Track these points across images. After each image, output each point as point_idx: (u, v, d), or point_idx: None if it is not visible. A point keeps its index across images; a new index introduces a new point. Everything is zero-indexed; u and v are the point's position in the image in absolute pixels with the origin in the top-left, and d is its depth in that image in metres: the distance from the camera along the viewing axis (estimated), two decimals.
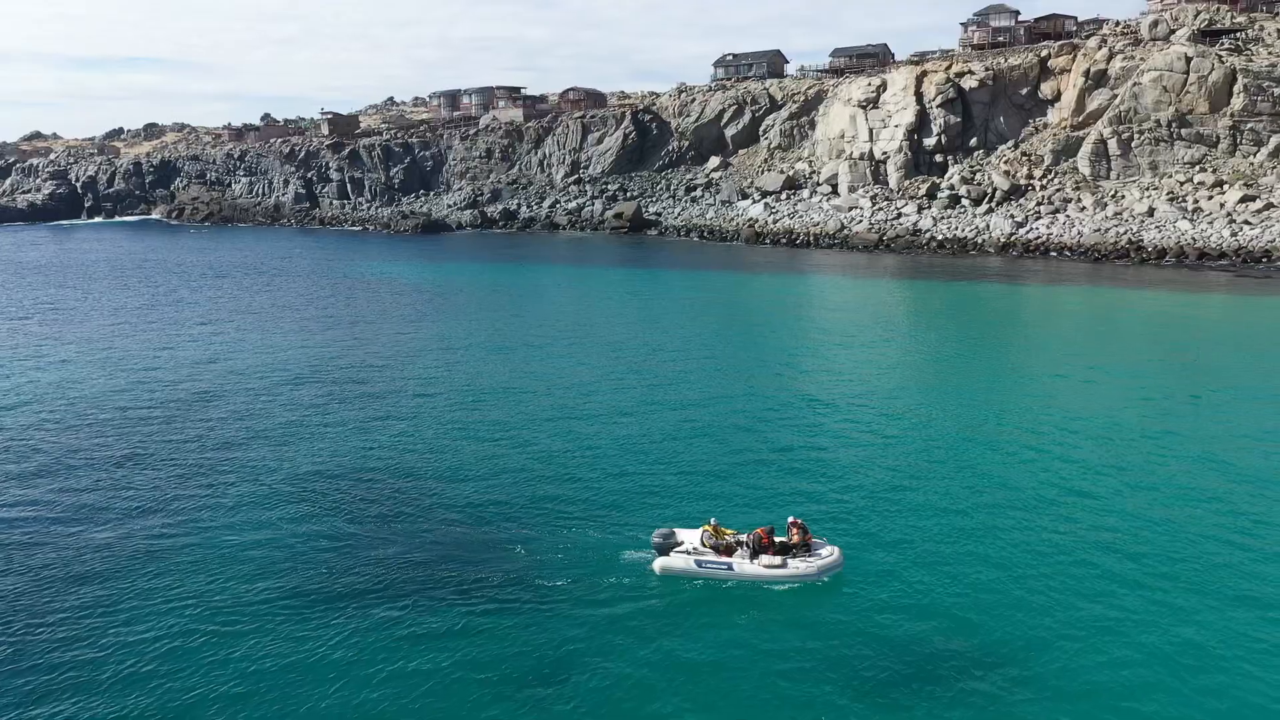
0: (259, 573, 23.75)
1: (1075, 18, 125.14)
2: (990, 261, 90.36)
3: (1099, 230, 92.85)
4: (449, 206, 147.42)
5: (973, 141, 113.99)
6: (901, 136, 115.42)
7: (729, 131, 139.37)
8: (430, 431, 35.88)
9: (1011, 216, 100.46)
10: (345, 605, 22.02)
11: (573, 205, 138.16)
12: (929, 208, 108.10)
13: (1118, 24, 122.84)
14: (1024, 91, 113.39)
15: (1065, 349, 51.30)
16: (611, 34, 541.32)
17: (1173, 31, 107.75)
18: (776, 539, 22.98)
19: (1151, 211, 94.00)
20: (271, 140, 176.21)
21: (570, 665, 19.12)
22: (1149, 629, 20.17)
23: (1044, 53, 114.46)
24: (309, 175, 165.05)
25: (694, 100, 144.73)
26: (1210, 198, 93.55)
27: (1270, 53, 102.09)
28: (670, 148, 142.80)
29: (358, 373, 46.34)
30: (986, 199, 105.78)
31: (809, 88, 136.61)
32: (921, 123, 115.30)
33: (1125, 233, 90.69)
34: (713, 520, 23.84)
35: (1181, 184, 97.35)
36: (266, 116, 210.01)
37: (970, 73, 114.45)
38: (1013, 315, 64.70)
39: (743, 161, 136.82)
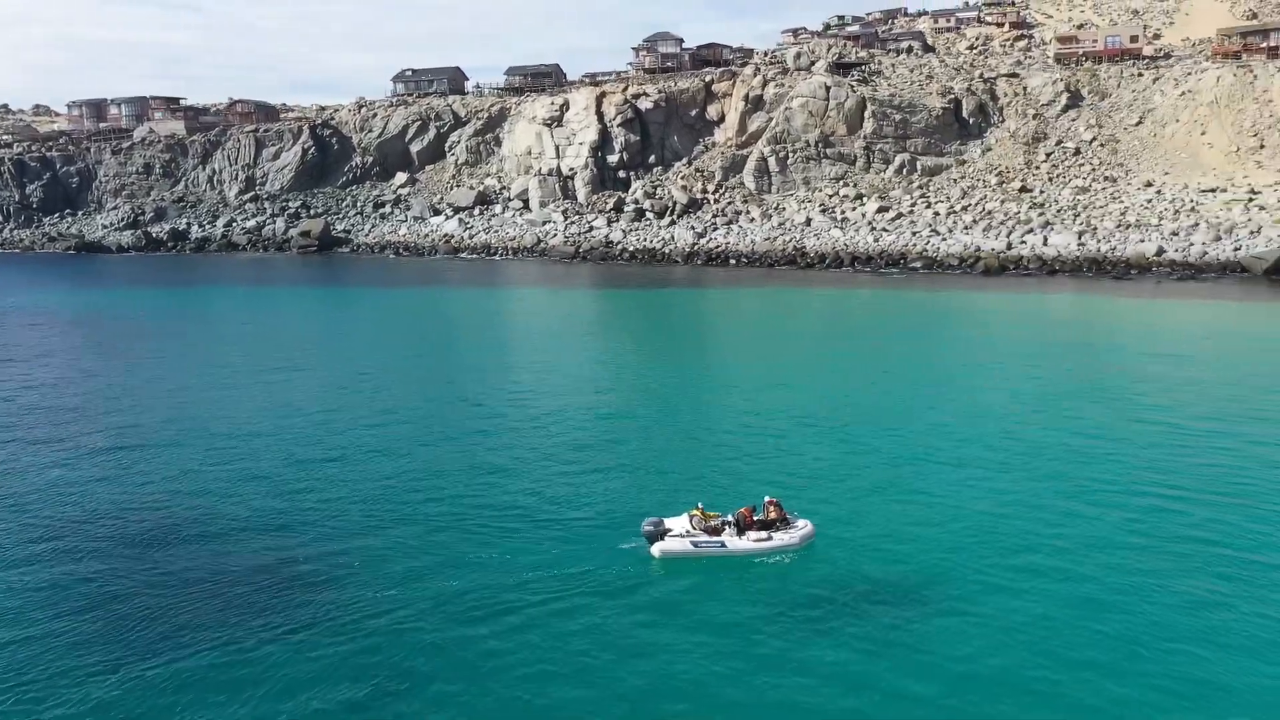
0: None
1: (731, 46, 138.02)
2: (678, 270, 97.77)
3: (769, 239, 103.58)
4: (105, 227, 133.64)
5: (651, 158, 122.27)
6: (587, 153, 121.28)
7: (414, 147, 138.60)
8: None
9: (692, 228, 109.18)
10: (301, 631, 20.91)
11: (251, 224, 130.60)
12: (617, 221, 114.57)
13: (766, 54, 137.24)
14: (693, 113, 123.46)
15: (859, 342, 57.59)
16: (264, 43, 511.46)
17: (813, 63, 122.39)
18: (755, 517, 25.27)
19: (809, 221, 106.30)
20: None
21: (619, 643, 20.82)
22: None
23: (708, 78, 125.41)
24: None
25: (375, 115, 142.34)
26: (854, 209, 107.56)
27: (889, 84, 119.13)
28: (354, 164, 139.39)
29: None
30: (668, 212, 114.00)
31: (492, 105, 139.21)
32: (604, 140, 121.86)
33: (790, 240, 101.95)
34: (700, 505, 25.75)
35: (830, 197, 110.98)
36: None
37: (645, 94, 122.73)
38: (725, 316, 71.05)
39: (431, 178, 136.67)
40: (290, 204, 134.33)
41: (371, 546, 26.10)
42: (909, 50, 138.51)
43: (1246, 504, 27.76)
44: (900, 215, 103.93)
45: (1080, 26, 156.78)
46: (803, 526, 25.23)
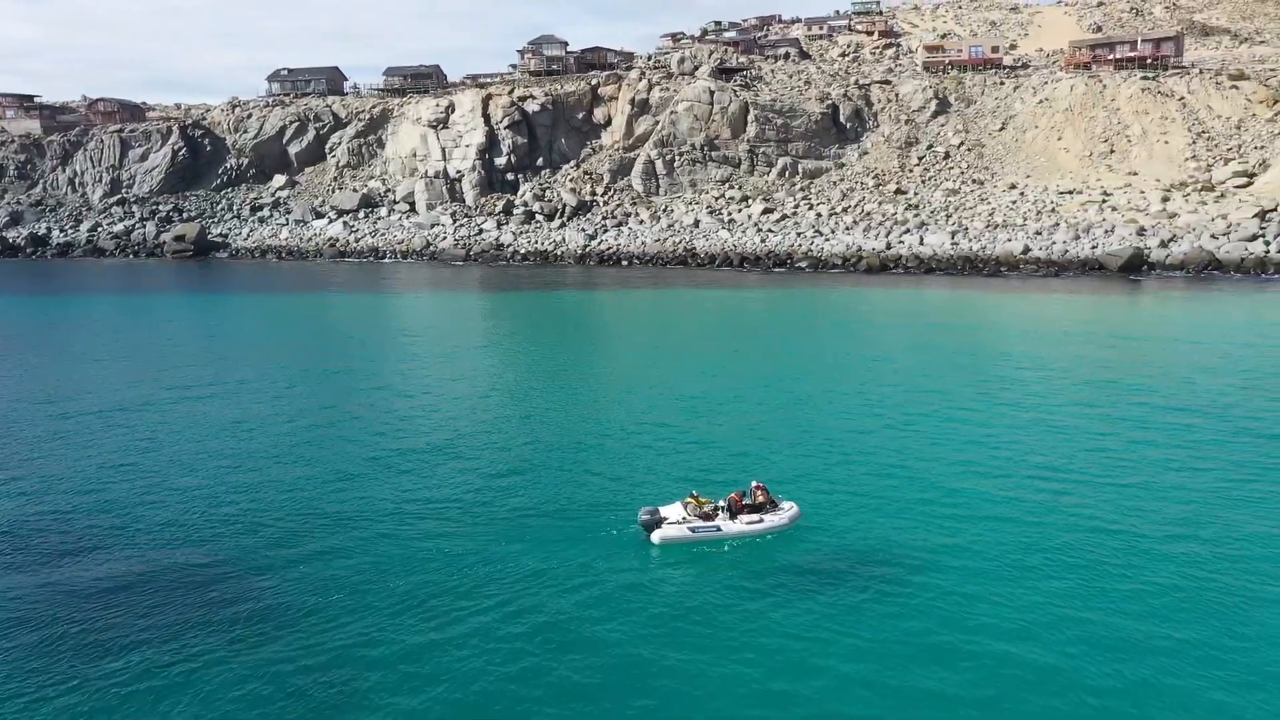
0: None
1: (615, 50, 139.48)
2: (571, 271, 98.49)
3: (659, 240, 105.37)
4: None
5: (539, 161, 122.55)
6: (474, 156, 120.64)
7: (292, 149, 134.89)
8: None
9: (583, 230, 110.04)
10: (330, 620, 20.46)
11: (119, 228, 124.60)
12: (507, 223, 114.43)
13: (650, 58, 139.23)
14: (580, 116, 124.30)
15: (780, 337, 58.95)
16: (119, 38, 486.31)
17: (696, 68, 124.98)
18: (745, 502, 26.55)
19: (697, 223, 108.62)
20: None
21: (641, 619, 22.08)
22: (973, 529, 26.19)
23: (594, 81, 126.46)
24: None
25: (250, 116, 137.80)
26: (740, 210, 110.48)
27: (770, 89, 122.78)
28: (228, 165, 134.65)
29: None
30: (558, 214, 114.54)
31: (374, 106, 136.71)
32: (491, 143, 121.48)
33: (681, 242, 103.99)
34: (694, 492, 26.77)
35: (716, 199, 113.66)
36: None
37: (532, 97, 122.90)
38: (636, 315, 72.05)
39: (311, 180, 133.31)
40: (161, 207, 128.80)
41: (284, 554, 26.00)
42: (786, 56, 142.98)
43: (1125, 469, 30.55)
44: (785, 217, 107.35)
45: (944, 36, 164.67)
46: (789, 508, 26.70)
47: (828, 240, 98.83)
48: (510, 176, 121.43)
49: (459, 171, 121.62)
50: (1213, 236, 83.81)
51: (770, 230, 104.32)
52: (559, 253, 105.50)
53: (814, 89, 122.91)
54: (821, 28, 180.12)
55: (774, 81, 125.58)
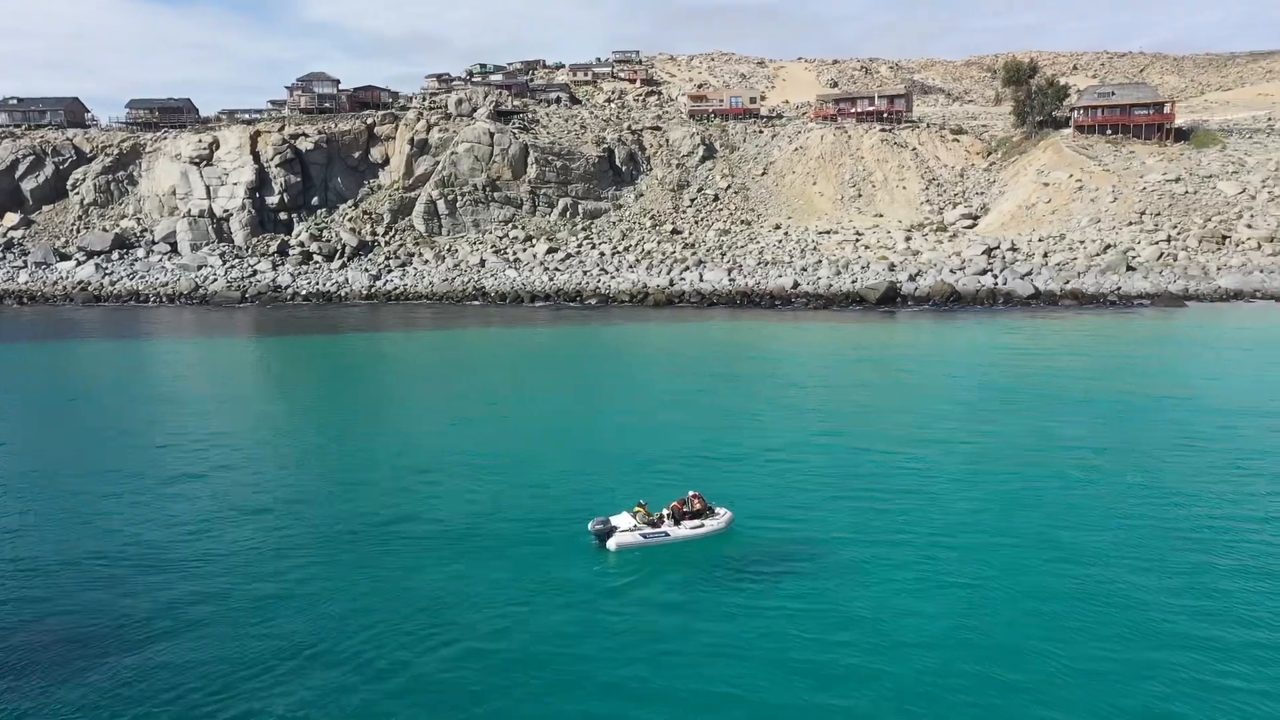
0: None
1: (389, 90, 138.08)
2: (355, 312, 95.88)
3: (446, 280, 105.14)
4: None
5: (314, 200, 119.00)
6: (243, 194, 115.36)
7: (27, 185, 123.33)
8: None
9: (366, 270, 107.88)
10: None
11: None
12: (283, 264, 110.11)
13: (424, 99, 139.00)
14: (356, 155, 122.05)
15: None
16: None
17: (475, 110, 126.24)
18: (685, 509, 28.86)
19: (483, 263, 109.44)
20: None
21: (618, 622, 24.12)
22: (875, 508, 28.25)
23: (369, 120, 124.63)
24: None
25: None
26: (525, 250, 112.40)
27: (548, 132, 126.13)
28: None
29: None
30: (338, 255, 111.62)
31: (122, 140, 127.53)
32: (262, 181, 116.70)
33: (470, 281, 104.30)
34: (642, 502, 28.96)
35: (501, 239, 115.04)
36: None
37: (305, 135, 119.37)
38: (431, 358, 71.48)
39: (51, 218, 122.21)
40: None
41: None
42: (558, 101, 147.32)
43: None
44: (569, 255, 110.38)
45: (701, 85, 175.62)
46: (724, 514, 29.41)
47: (614, 278, 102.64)
48: (283, 216, 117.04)
49: (226, 210, 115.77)
50: (951, 271, 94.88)
51: (557, 269, 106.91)
52: (342, 293, 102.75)
53: (590, 133, 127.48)
54: (586, 74, 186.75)
55: (550, 125, 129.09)
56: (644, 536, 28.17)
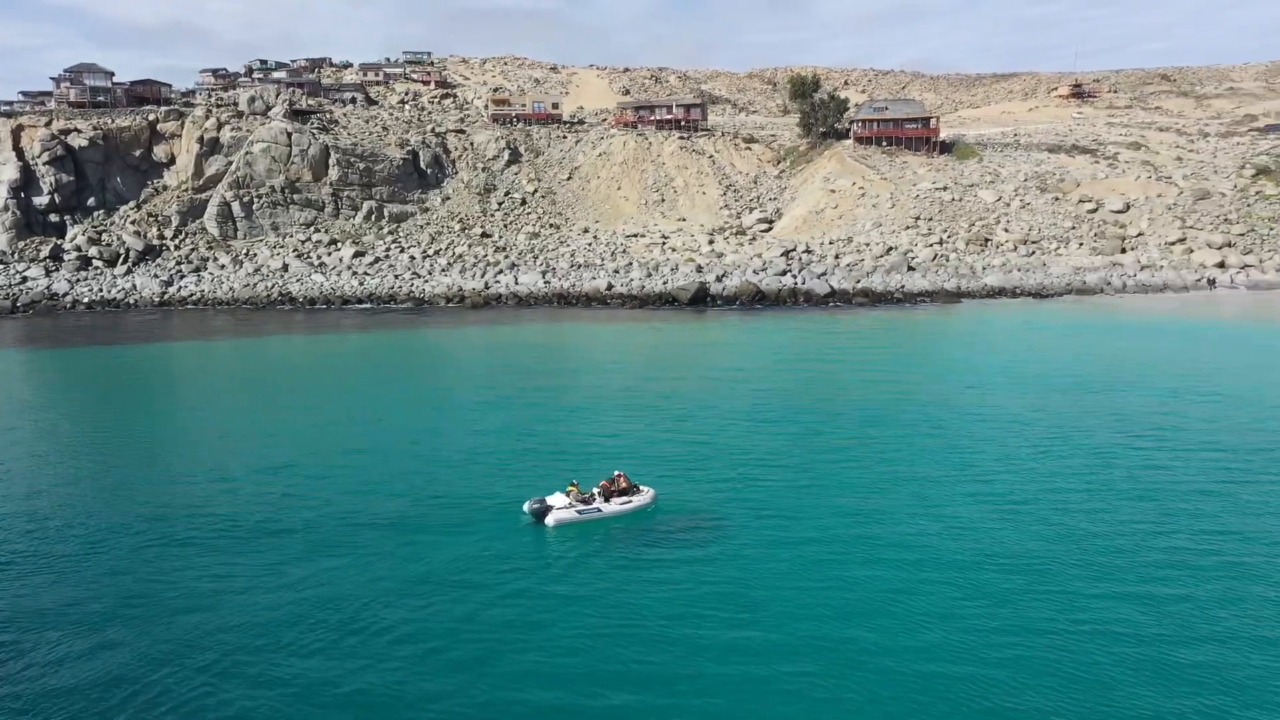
0: None
1: (171, 85, 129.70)
2: (149, 319, 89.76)
3: (248, 285, 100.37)
4: None
5: (91, 201, 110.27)
6: (6, 194, 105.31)
7: None
8: None
9: (156, 276, 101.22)
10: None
11: None
12: (58, 270, 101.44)
13: (210, 95, 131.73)
14: (138, 153, 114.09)
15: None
16: None
17: (269, 108, 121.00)
18: (613, 488, 31.48)
19: (286, 267, 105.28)
20: None
21: (560, 591, 26.24)
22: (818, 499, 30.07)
23: (152, 117, 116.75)
24: None
25: None
26: (330, 254, 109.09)
27: (349, 133, 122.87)
28: None
29: None
30: (122, 260, 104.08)
31: None
32: (28, 180, 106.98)
33: (274, 286, 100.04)
34: (574, 482, 31.43)
35: (303, 243, 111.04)
36: None
37: (77, 130, 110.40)
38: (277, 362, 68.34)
39: None
40: None
41: None
42: (354, 101, 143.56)
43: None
44: (379, 259, 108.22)
45: (496, 90, 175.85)
46: (648, 491, 32.10)
47: (427, 281, 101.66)
48: (55, 218, 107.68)
49: None
50: (755, 272, 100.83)
51: (366, 273, 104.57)
52: (131, 301, 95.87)
53: (392, 135, 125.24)
54: (378, 74, 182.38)
55: (351, 125, 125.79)
56: (579, 513, 30.70)
